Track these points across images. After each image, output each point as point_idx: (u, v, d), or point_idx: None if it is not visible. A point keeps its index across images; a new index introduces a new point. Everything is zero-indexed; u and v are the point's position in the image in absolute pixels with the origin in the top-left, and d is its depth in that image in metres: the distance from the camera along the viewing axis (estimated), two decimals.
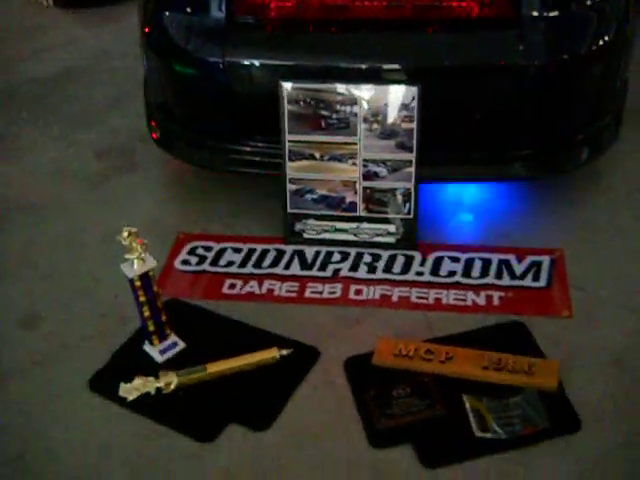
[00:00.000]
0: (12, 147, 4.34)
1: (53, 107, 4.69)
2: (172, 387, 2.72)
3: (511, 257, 3.27)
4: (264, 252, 3.33)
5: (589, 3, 3.24)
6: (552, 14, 3.14)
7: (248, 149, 3.35)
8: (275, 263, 3.28)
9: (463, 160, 3.29)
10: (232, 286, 3.19)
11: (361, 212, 3.27)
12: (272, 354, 2.81)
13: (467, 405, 2.60)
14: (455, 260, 3.26)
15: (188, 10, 3.32)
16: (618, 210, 3.54)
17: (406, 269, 3.22)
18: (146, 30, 3.47)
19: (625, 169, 3.80)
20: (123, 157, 4.10)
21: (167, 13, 3.37)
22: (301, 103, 3.11)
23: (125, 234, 2.69)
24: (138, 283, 2.74)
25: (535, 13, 3.10)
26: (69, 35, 5.62)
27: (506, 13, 3.15)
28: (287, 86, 3.09)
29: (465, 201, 3.62)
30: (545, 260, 3.25)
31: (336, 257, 3.29)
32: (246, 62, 3.16)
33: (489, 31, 3.15)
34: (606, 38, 3.23)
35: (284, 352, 2.82)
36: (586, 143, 3.46)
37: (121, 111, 4.51)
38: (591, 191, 3.66)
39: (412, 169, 3.15)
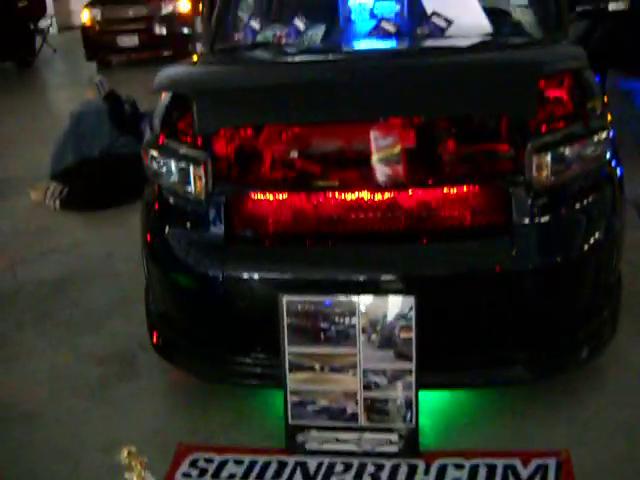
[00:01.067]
0: (11, 351, 4.33)
1: (55, 310, 4.73)
2: None
3: (516, 461, 3.20)
4: (266, 464, 3.26)
5: (578, 207, 3.34)
6: (543, 220, 3.23)
7: (249, 360, 3.38)
8: (277, 475, 3.20)
9: (463, 366, 3.30)
10: None
11: (363, 422, 3.23)
12: None
13: None
14: (459, 467, 3.18)
15: (188, 225, 3.42)
16: (622, 406, 3.50)
17: (410, 479, 3.16)
18: (147, 241, 3.56)
19: (627, 362, 3.79)
20: (124, 364, 4.09)
21: (168, 227, 3.48)
22: (300, 316, 3.15)
23: (125, 453, 2.67)
24: None
25: (526, 220, 3.20)
26: (74, 238, 5.75)
27: (497, 220, 3.25)
28: (286, 299, 3.13)
29: (467, 403, 3.58)
30: (551, 463, 3.18)
31: (339, 468, 3.21)
32: (245, 276, 3.24)
33: (482, 238, 3.24)
34: (597, 237, 3.33)
35: None
36: (586, 341, 3.48)
37: (123, 316, 4.54)
38: (593, 387, 3.63)
39: (412, 378, 3.15)
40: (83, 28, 12.50)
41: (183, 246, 3.41)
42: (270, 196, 3.33)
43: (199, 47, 4.82)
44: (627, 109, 7.46)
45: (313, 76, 3.45)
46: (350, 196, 3.27)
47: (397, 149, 3.23)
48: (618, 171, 3.62)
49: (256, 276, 3.24)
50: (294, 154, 3.48)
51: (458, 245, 3.23)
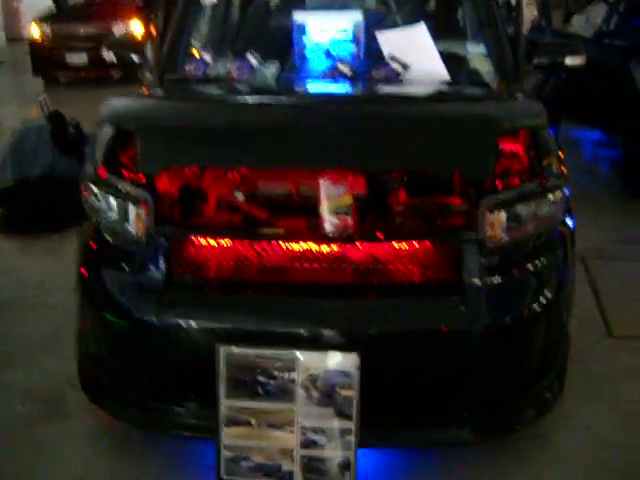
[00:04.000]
0: None
1: None
2: None
3: None
4: None
5: (530, 266, 3.27)
6: (493, 278, 3.15)
7: (181, 411, 3.22)
8: None
9: (406, 425, 3.19)
10: None
11: None
12: None
13: None
14: None
15: (126, 265, 3.27)
16: (563, 471, 3.45)
17: None
18: (82, 279, 3.41)
19: (569, 425, 3.73)
20: (51, 403, 3.90)
21: (104, 266, 3.33)
22: (238, 368, 2.99)
23: None
24: None
25: (477, 278, 3.11)
26: (7, 264, 5.55)
27: (448, 278, 3.16)
28: (224, 350, 2.99)
29: (407, 463, 3.47)
30: None
31: None
32: (182, 323, 3.09)
33: (431, 295, 3.15)
34: (548, 298, 3.26)
35: None
36: (531, 402, 3.40)
37: (54, 352, 4.33)
38: (535, 449, 3.56)
39: (352, 437, 3.01)
40: (31, 43, 12.27)
41: (120, 287, 3.26)
42: (213, 241, 3.19)
43: (148, 75, 4.65)
44: (575, 159, 7.51)
45: (264, 120, 3.32)
46: (296, 246, 3.15)
47: (348, 200, 3.12)
48: (570, 226, 3.58)
49: (194, 324, 3.08)
50: (240, 197, 3.36)
51: (406, 302, 3.13)
